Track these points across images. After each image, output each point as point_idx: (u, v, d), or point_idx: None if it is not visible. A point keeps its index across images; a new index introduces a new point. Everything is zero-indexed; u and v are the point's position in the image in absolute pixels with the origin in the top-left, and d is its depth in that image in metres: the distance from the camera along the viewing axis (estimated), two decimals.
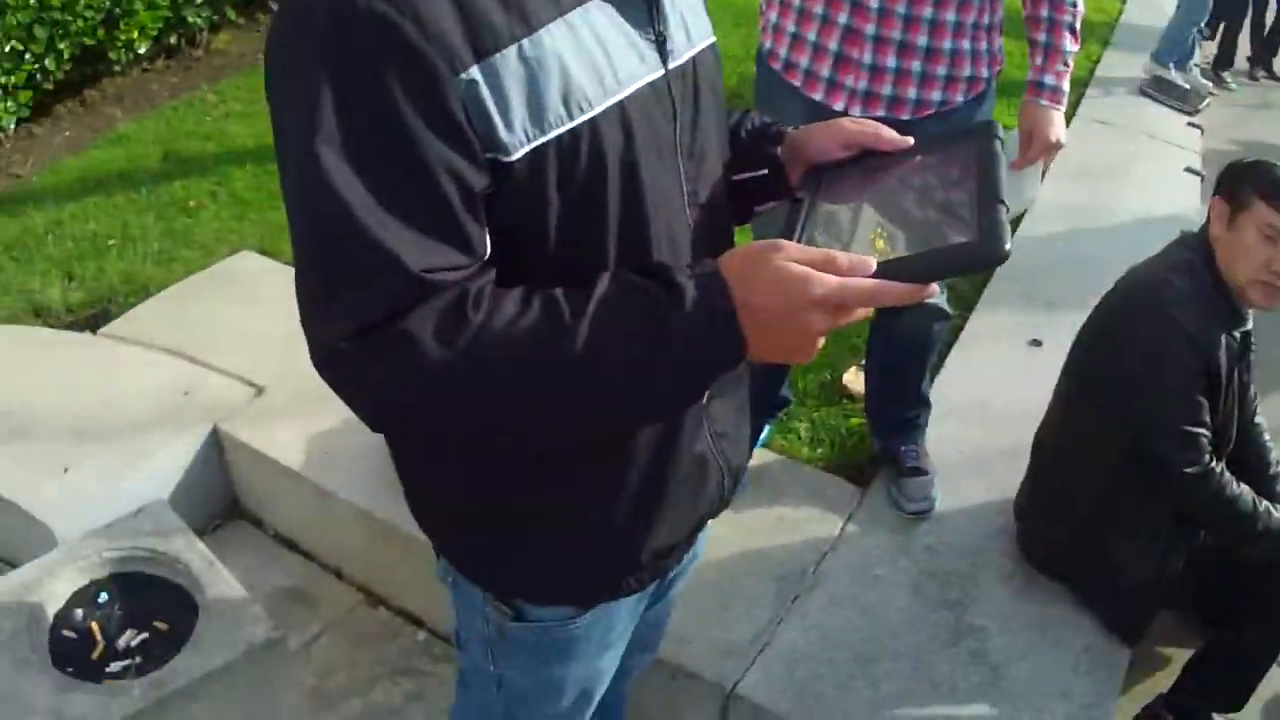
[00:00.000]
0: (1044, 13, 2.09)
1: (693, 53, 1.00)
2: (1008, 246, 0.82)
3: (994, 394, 2.79)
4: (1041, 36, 2.10)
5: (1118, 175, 4.33)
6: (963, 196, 0.91)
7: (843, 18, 1.99)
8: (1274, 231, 1.91)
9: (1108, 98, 5.17)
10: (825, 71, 2.04)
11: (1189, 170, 4.53)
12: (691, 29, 1.01)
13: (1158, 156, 4.65)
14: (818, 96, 2.06)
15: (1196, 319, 1.93)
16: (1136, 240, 3.68)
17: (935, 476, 2.44)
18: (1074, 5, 2.09)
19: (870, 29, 1.98)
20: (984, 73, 2.08)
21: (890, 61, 2.00)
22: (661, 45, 0.95)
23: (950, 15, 1.98)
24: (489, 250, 0.86)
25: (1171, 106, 5.20)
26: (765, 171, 1.11)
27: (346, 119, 0.78)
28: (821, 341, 0.84)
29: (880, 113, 2.02)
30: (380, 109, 0.78)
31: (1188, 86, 5.40)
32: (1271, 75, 6.87)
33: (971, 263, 0.85)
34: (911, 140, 1.04)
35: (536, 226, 0.88)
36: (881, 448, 2.54)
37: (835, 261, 0.81)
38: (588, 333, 0.81)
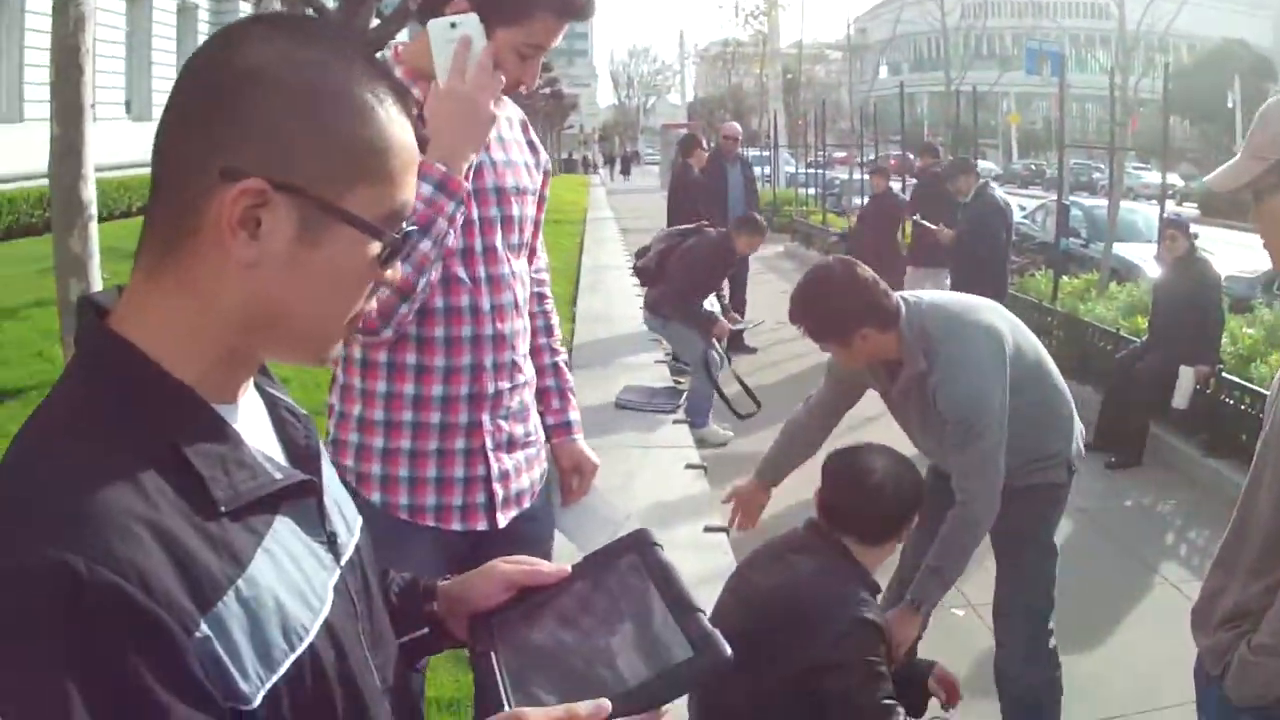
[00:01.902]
0: (547, 360, 2.25)
1: (355, 540, 1.00)
2: (729, 651, 0.86)
3: None
4: (551, 382, 2.26)
5: None
6: (654, 613, 0.93)
7: None
8: None
9: None
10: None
11: None
12: (348, 518, 1.01)
13: None
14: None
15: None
16: None
17: None
18: (562, 344, 2.31)
19: None
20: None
21: None
22: (333, 543, 0.93)
23: None
24: None
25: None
26: (426, 630, 1.11)
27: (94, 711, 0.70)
28: None
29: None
30: (128, 688, 0.71)
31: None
32: None
33: (700, 677, 0.88)
34: (569, 568, 1.06)
35: None
36: None
37: (575, 713, 0.83)
38: None
